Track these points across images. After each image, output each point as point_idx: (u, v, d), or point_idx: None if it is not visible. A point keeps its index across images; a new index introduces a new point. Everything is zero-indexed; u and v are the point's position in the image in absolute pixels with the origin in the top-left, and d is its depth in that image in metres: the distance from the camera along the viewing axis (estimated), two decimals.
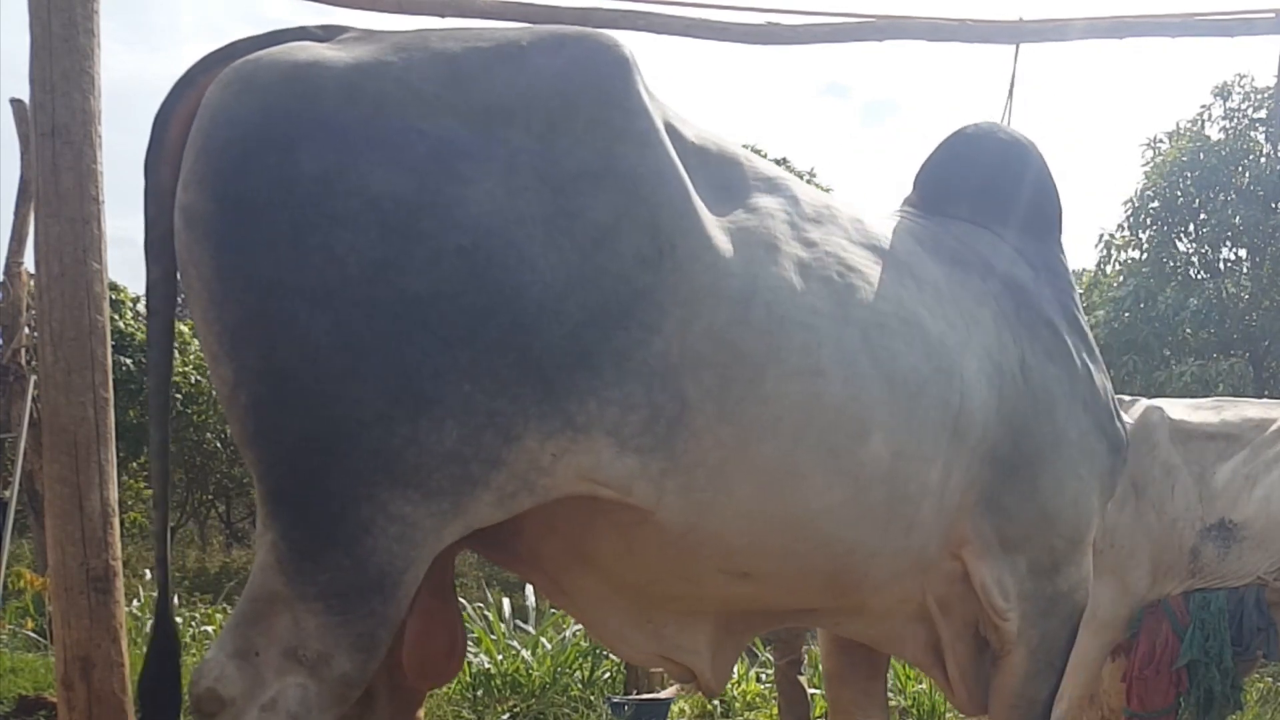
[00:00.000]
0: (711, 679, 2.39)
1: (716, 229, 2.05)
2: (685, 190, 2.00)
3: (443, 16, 3.67)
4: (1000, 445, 2.45)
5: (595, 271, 1.86)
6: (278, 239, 1.70)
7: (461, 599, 9.25)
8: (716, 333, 1.98)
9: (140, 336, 15.38)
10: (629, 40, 2.04)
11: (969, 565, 2.50)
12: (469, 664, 6.70)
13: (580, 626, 6.24)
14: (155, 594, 10.12)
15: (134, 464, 15.93)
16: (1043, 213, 2.94)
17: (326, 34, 1.91)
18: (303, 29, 1.93)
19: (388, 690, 2.12)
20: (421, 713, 2.25)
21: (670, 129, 2.07)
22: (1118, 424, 2.79)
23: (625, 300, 1.88)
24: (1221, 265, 16.48)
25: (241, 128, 1.73)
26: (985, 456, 2.42)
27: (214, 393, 2.00)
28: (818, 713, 5.22)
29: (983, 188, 2.86)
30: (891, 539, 2.28)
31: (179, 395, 16.27)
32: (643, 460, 1.93)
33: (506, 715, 6.12)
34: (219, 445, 17.57)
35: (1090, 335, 2.84)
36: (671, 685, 6.55)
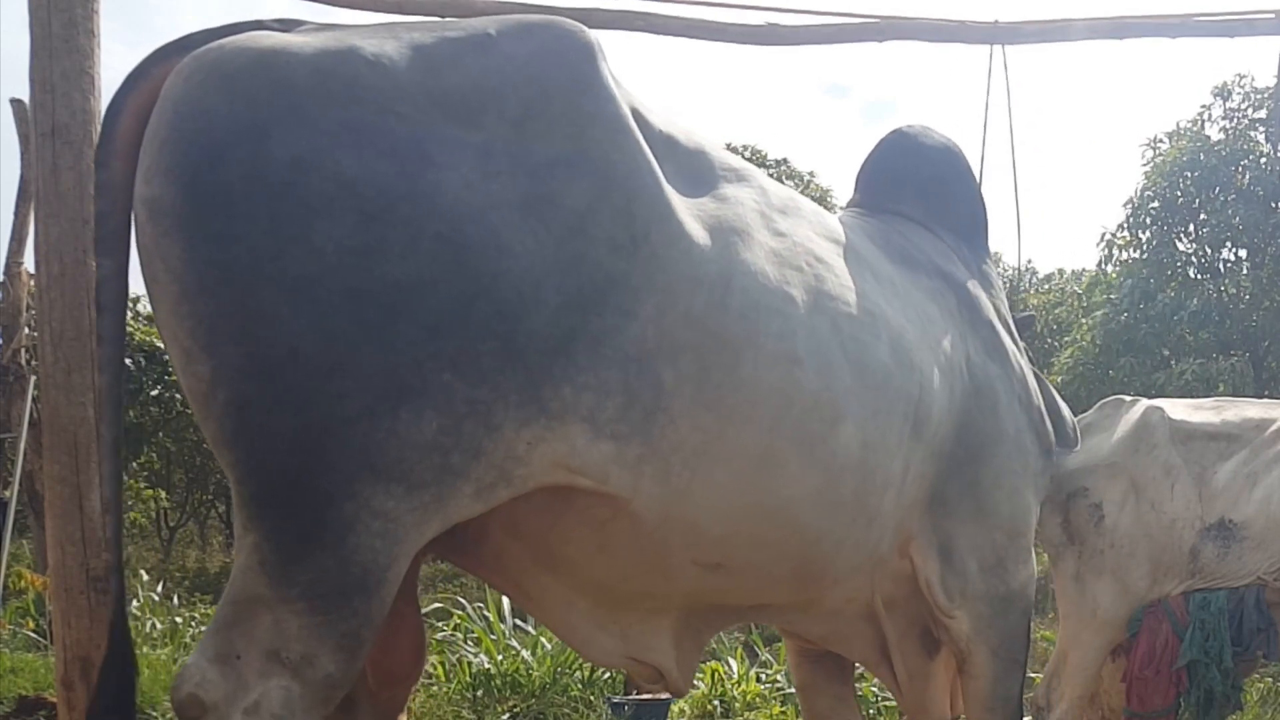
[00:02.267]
0: (679, 678, 2.39)
1: (690, 215, 2.05)
2: (657, 177, 1.99)
3: (443, 18, 3.67)
4: (948, 440, 2.49)
5: (571, 257, 1.84)
6: (254, 229, 1.64)
7: (461, 599, 9.22)
8: (694, 317, 1.97)
9: (140, 336, 15.36)
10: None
11: (915, 561, 2.53)
12: (469, 664, 6.70)
13: None
14: (152, 595, 10.03)
15: (134, 464, 15.91)
16: (974, 218, 3.02)
17: (283, 26, 1.86)
18: (258, 22, 1.87)
19: (367, 696, 2.09)
20: (404, 719, 2.22)
21: (637, 116, 2.06)
22: (1049, 426, 2.84)
23: (600, 286, 1.87)
24: (1221, 266, 16.45)
25: (209, 116, 1.67)
26: (936, 451, 2.46)
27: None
28: None
29: (924, 188, 2.92)
30: (856, 530, 2.30)
31: (179, 395, 16.24)
32: (619, 446, 1.92)
33: (506, 715, 6.11)
34: None
35: (1018, 339, 2.89)
36: None
